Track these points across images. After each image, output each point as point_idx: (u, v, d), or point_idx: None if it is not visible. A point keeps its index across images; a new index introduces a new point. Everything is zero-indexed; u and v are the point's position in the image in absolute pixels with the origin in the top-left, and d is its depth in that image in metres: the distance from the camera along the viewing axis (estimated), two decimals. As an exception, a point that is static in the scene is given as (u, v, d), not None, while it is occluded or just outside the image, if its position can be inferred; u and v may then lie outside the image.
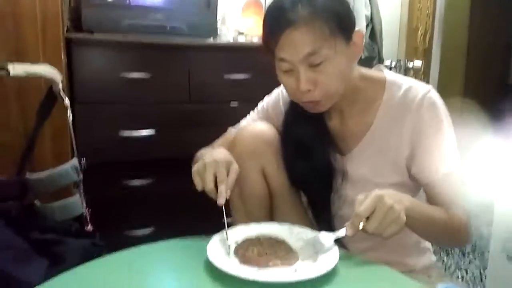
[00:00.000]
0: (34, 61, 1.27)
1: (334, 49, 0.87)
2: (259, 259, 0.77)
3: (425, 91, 0.96)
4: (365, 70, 1.02)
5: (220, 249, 0.81)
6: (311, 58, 0.87)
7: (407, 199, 0.84)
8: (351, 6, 0.96)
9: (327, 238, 0.82)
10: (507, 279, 1.58)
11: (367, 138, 1.00)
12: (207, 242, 0.82)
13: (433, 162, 0.95)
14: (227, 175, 0.87)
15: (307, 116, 1.00)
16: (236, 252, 0.80)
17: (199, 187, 0.87)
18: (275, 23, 0.88)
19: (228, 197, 0.86)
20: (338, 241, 0.83)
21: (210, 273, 0.76)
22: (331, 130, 1.05)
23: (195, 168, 0.88)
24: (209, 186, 0.85)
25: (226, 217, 0.86)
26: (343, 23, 0.88)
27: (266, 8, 0.93)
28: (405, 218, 0.78)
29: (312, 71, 0.88)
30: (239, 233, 0.88)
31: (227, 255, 0.80)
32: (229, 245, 0.82)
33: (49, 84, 1.23)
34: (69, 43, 1.51)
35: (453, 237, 0.95)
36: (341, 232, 0.80)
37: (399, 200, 0.80)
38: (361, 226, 0.77)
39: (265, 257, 0.77)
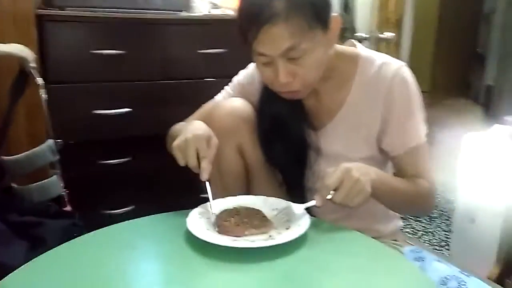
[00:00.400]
0: (5, 39, 1.23)
1: (312, 41, 0.88)
2: (236, 228, 0.81)
3: (397, 67, 0.99)
4: (339, 47, 1.03)
5: (199, 220, 0.85)
6: (290, 53, 0.88)
7: (373, 171, 0.89)
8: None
9: (298, 207, 0.87)
10: (469, 241, 1.69)
11: (341, 114, 1.04)
12: (186, 216, 0.85)
13: (402, 137, 1.00)
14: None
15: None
16: (215, 222, 0.85)
17: (181, 162, 0.88)
18: (252, 18, 0.87)
19: (210, 171, 0.87)
20: (311, 213, 0.88)
21: (190, 243, 0.80)
22: (306, 107, 1.07)
23: (175, 143, 0.88)
24: (192, 162, 0.87)
25: (204, 193, 0.89)
26: (320, 14, 0.89)
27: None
28: (370, 189, 0.83)
29: (291, 64, 0.89)
30: (217, 205, 0.92)
31: (210, 225, 0.84)
32: (213, 213, 0.87)
33: (22, 63, 1.21)
34: (40, 20, 1.47)
35: (418, 206, 1.03)
36: (311, 203, 0.85)
37: (365, 173, 0.84)
38: (329, 197, 0.82)
39: (242, 226, 0.82)
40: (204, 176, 0.87)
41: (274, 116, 1.06)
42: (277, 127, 1.06)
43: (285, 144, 1.06)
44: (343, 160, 0.88)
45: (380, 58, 1.02)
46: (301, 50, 0.88)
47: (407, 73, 1.00)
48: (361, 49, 1.04)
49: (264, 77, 0.96)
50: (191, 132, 0.88)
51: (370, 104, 1.01)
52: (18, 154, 1.17)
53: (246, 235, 0.81)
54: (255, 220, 0.84)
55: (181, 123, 1.11)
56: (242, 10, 0.92)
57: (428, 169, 1.02)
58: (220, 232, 0.82)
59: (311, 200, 0.86)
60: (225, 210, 0.89)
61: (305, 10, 0.86)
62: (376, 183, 0.86)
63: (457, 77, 3.26)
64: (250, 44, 0.90)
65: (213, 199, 0.95)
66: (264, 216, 0.87)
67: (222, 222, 0.83)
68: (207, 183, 0.89)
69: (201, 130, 0.90)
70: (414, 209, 1.08)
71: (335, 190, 0.82)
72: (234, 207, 0.90)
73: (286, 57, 0.89)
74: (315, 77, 0.95)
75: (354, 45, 1.07)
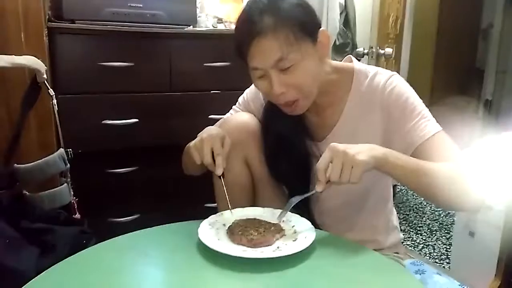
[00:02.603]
0: (17, 51, 1.26)
1: (301, 52, 0.93)
2: (246, 239, 0.84)
3: (388, 76, 1.03)
4: (335, 63, 1.08)
5: (210, 231, 0.88)
6: (281, 63, 0.93)
7: (376, 148, 0.87)
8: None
9: (297, 198, 0.92)
10: (469, 254, 1.71)
11: (339, 125, 1.08)
12: (197, 226, 0.88)
13: (410, 137, 0.97)
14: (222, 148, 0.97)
15: (284, 113, 1.05)
16: (226, 233, 0.88)
17: (198, 161, 0.96)
18: (244, 34, 0.94)
19: (224, 167, 0.96)
20: (316, 226, 0.92)
21: (201, 253, 0.83)
22: (308, 122, 1.11)
23: (192, 144, 0.98)
24: (208, 159, 0.95)
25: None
26: (307, 28, 0.95)
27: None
28: (366, 158, 0.82)
29: (284, 75, 0.94)
30: (227, 217, 0.96)
31: (222, 235, 0.88)
32: (231, 210, 0.95)
33: (33, 74, 1.24)
34: (50, 32, 1.51)
35: (452, 187, 0.89)
36: (312, 191, 0.89)
37: (355, 147, 0.84)
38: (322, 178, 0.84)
39: (251, 237, 0.85)
40: (218, 171, 0.96)
41: (277, 133, 1.09)
42: (281, 143, 1.09)
43: (289, 159, 1.10)
44: None
45: (372, 70, 1.06)
46: (291, 60, 0.93)
47: (399, 79, 1.03)
48: (356, 64, 1.09)
49: (261, 90, 1.01)
50: (206, 133, 0.98)
51: (366, 114, 1.04)
52: (30, 162, 1.19)
53: (255, 245, 0.83)
54: (263, 231, 0.87)
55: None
56: (236, 28, 0.98)
57: (454, 154, 0.95)
58: (230, 242, 0.85)
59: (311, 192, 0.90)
60: (234, 222, 0.92)
61: (292, 24, 0.92)
62: (387, 157, 0.85)
63: (456, 92, 3.30)
64: (245, 60, 0.96)
65: (220, 211, 0.99)
66: (272, 227, 0.90)
67: (233, 234, 0.86)
68: (222, 178, 0.97)
69: (215, 131, 1.00)
70: (447, 191, 0.89)
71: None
72: (243, 219, 0.93)
73: (277, 68, 0.94)
74: (309, 88, 0.98)
75: (351, 61, 1.11)
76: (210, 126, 1.05)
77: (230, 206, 0.97)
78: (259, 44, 0.92)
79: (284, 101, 0.98)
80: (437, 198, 0.92)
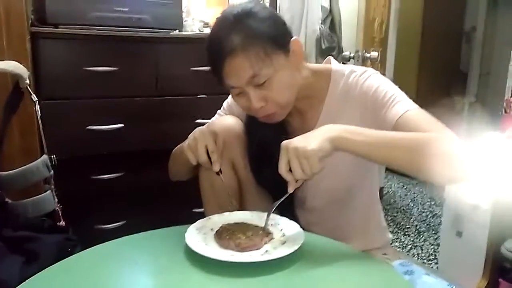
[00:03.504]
0: (-1, 56, 1.25)
1: (273, 66, 0.93)
2: (234, 243, 0.83)
3: (361, 71, 1.04)
4: (313, 66, 1.09)
5: (197, 235, 0.87)
6: (255, 80, 0.93)
7: (331, 129, 0.84)
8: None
9: (276, 202, 0.91)
10: (456, 253, 1.73)
11: (318, 126, 1.07)
12: (185, 231, 0.87)
13: (387, 117, 0.94)
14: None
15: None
16: (213, 238, 0.87)
17: (193, 161, 0.97)
18: (215, 55, 0.94)
19: (220, 163, 0.98)
20: (304, 228, 0.91)
21: (189, 258, 0.82)
22: (292, 128, 1.11)
23: (186, 144, 0.98)
24: (203, 158, 0.96)
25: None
26: (277, 41, 0.94)
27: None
28: (312, 147, 0.79)
29: (260, 90, 0.94)
30: (214, 221, 0.94)
31: (209, 239, 0.87)
32: (233, 202, 0.99)
33: (15, 80, 1.22)
34: (33, 37, 1.48)
35: (431, 156, 0.80)
36: (286, 194, 0.87)
37: (309, 136, 0.83)
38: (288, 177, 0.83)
39: (239, 241, 0.84)
40: (215, 167, 0.97)
41: (260, 139, 1.09)
42: (264, 150, 1.09)
43: (273, 166, 1.09)
44: (330, 169, 0.90)
45: (348, 68, 1.07)
46: (264, 76, 0.92)
47: (371, 73, 1.03)
48: (334, 65, 1.09)
49: (241, 106, 1.02)
50: (198, 131, 0.99)
51: (344, 112, 1.04)
52: (12, 169, 1.17)
53: (243, 249, 0.83)
54: (251, 235, 0.86)
55: (178, 146, 1.14)
56: (207, 48, 0.97)
57: (430, 127, 0.88)
58: (218, 246, 0.84)
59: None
60: (222, 226, 0.91)
61: (261, 39, 0.91)
62: (339, 136, 0.82)
63: (441, 94, 3.34)
64: (220, 79, 0.96)
65: (207, 215, 0.99)
66: (260, 231, 0.89)
67: (220, 238, 0.85)
68: (220, 174, 1.00)
69: (207, 129, 1.00)
70: (417, 160, 0.81)
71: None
72: (230, 223, 0.92)
73: (252, 85, 0.93)
74: (287, 98, 0.98)
75: (329, 62, 1.11)
76: (199, 127, 1.04)
77: (233, 201, 0.99)
78: (231, 64, 0.91)
79: (264, 114, 0.99)
80: (410, 169, 0.84)
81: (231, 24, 0.92)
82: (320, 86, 1.07)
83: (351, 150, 0.84)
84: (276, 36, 0.94)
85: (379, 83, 1.00)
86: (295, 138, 0.84)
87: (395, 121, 0.91)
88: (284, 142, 0.84)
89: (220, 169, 0.98)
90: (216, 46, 0.93)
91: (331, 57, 1.13)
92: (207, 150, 0.96)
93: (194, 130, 1.01)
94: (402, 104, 0.93)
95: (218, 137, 0.99)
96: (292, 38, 0.98)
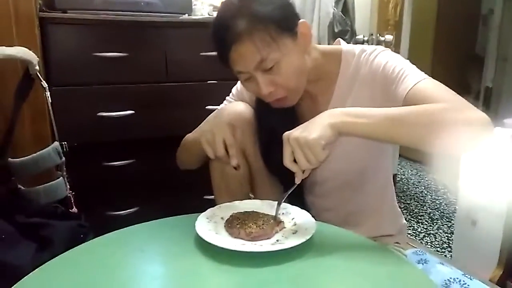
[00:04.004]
0: (8, 43, 1.24)
1: (280, 50, 0.91)
2: (244, 232, 0.82)
3: (371, 50, 1.01)
4: (323, 47, 1.06)
5: (208, 224, 0.86)
6: (263, 65, 0.91)
7: (332, 114, 0.82)
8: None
9: (285, 194, 0.90)
10: (471, 243, 1.70)
11: (330, 107, 1.05)
12: (194, 220, 0.86)
13: (397, 92, 0.91)
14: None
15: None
16: (224, 227, 0.86)
17: (211, 155, 0.95)
18: (222, 41, 0.92)
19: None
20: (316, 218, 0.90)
21: (199, 247, 0.81)
22: (302, 112, 1.09)
23: (203, 138, 0.95)
24: (221, 152, 0.93)
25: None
26: (284, 24, 0.92)
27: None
28: (314, 135, 0.78)
29: (268, 74, 0.93)
30: (224, 210, 0.93)
31: (219, 228, 0.86)
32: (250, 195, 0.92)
33: (25, 66, 1.22)
34: (42, 22, 1.47)
35: (449, 126, 0.77)
36: (293, 186, 0.87)
37: (311, 124, 0.82)
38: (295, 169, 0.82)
39: (249, 230, 0.83)
40: (233, 161, 0.94)
41: (270, 125, 1.07)
42: (274, 135, 1.07)
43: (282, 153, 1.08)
44: (341, 152, 0.88)
45: (358, 48, 1.04)
46: (272, 60, 0.91)
47: (381, 50, 1.00)
48: (344, 45, 1.06)
49: (250, 91, 1.01)
50: (214, 123, 0.97)
51: (356, 90, 1.02)
52: (24, 156, 1.17)
53: (254, 239, 0.82)
54: (262, 224, 0.85)
55: (188, 135, 1.13)
56: (212, 35, 0.95)
57: (444, 95, 0.84)
58: (228, 235, 0.83)
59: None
60: (233, 215, 0.90)
61: (267, 23, 0.89)
62: (340, 120, 0.81)
63: (456, 79, 3.27)
64: (228, 66, 0.95)
65: (218, 204, 0.98)
66: (271, 220, 0.88)
67: (231, 227, 0.84)
68: (237, 169, 0.96)
69: (224, 121, 0.97)
70: (422, 133, 0.78)
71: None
72: (241, 212, 0.91)
73: (261, 70, 0.92)
74: (296, 82, 0.96)
75: (339, 43, 1.08)
76: (211, 115, 1.02)
77: (251, 195, 0.95)
78: (237, 49, 0.90)
79: (274, 99, 0.97)
80: (420, 144, 0.80)
81: (236, 8, 0.90)
82: (330, 67, 1.04)
83: (355, 133, 0.81)
84: (282, 19, 0.92)
85: (387, 59, 0.97)
86: (295, 128, 0.82)
87: (405, 95, 0.88)
88: (285, 134, 0.83)
89: (238, 164, 0.95)
90: (221, 32, 0.91)
91: (340, 39, 1.10)
92: (225, 143, 0.93)
93: (207, 119, 0.99)
94: (411, 77, 0.90)
95: (236, 129, 0.97)
96: (300, 21, 0.96)
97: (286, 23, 0.93)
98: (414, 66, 0.94)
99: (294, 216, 0.91)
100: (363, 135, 0.82)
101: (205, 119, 1.12)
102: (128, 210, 1.75)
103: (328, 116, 0.82)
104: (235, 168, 0.95)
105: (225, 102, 1.20)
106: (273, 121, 1.06)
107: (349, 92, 1.03)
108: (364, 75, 1.00)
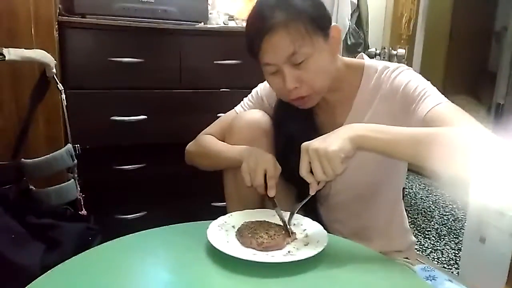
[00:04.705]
0: (27, 45, 1.26)
1: (313, 47, 0.92)
2: (256, 242, 0.82)
3: (394, 67, 1.01)
4: (346, 59, 1.07)
5: (219, 232, 0.86)
6: (293, 58, 0.92)
7: (353, 128, 0.83)
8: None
9: (298, 205, 0.91)
10: (479, 260, 1.68)
11: (348, 120, 1.06)
12: (205, 227, 0.86)
13: (416, 112, 0.91)
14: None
15: (295, 113, 1.04)
16: (235, 236, 0.86)
17: (248, 183, 0.95)
18: (256, 30, 0.93)
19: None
20: (329, 231, 0.90)
21: (210, 255, 0.81)
22: (320, 122, 1.09)
23: (245, 166, 0.95)
24: (260, 182, 0.93)
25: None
26: (319, 22, 0.93)
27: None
28: (334, 148, 0.79)
29: (296, 69, 0.93)
30: (236, 218, 0.93)
31: (230, 237, 0.86)
32: (288, 223, 0.90)
33: (42, 68, 1.23)
34: (61, 27, 1.49)
35: (463, 150, 0.77)
36: (307, 196, 0.87)
37: (329, 136, 0.82)
38: (311, 180, 0.83)
39: (261, 240, 0.83)
40: (271, 193, 0.93)
41: (288, 133, 1.08)
42: (291, 143, 1.07)
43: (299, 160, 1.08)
44: (355, 164, 0.88)
45: (381, 64, 1.05)
46: (303, 55, 0.92)
47: (404, 68, 1.01)
48: (367, 60, 1.08)
49: (274, 86, 1.00)
50: (261, 155, 0.97)
51: (375, 105, 1.02)
52: (37, 157, 1.18)
53: (265, 249, 0.81)
54: (274, 234, 0.85)
55: (210, 139, 1.13)
56: (248, 24, 0.97)
57: (461, 119, 0.84)
58: (240, 244, 0.83)
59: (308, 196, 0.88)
60: (244, 224, 0.90)
61: (303, 18, 0.91)
62: (360, 135, 0.81)
63: (467, 95, 3.25)
64: (256, 56, 0.95)
65: (230, 212, 0.98)
66: (283, 231, 0.88)
67: (243, 236, 0.84)
68: (274, 199, 0.94)
69: (269, 155, 0.98)
70: (450, 156, 0.76)
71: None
72: (253, 221, 0.91)
73: (290, 63, 0.93)
74: (322, 83, 0.97)
75: (362, 58, 1.10)
76: (258, 150, 1.01)
77: (284, 219, 0.92)
78: (271, 39, 0.91)
79: (297, 96, 0.97)
80: (435, 166, 0.78)
81: (275, 0, 0.92)
82: (352, 80, 1.05)
83: (373, 148, 0.82)
84: (318, 17, 0.94)
85: (410, 78, 0.97)
86: (315, 139, 0.83)
87: (424, 116, 0.89)
88: (304, 144, 0.83)
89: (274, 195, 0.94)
90: (257, 21, 0.93)
91: (363, 53, 1.12)
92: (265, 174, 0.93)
93: (254, 153, 0.97)
94: (432, 99, 0.91)
95: (277, 164, 0.97)
96: (333, 24, 0.97)
97: (321, 21, 0.94)
98: (435, 88, 0.95)
99: (306, 227, 0.91)
100: (382, 151, 0.82)
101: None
102: (136, 214, 1.76)
103: (349, 129, 0.83)
104: (270, 198, 0.94)
105: (242, 103, 1.20)
106: (293, 128, 1.06)
107: (368, 106, 1.03)
108: (385, 91, 1.00)
